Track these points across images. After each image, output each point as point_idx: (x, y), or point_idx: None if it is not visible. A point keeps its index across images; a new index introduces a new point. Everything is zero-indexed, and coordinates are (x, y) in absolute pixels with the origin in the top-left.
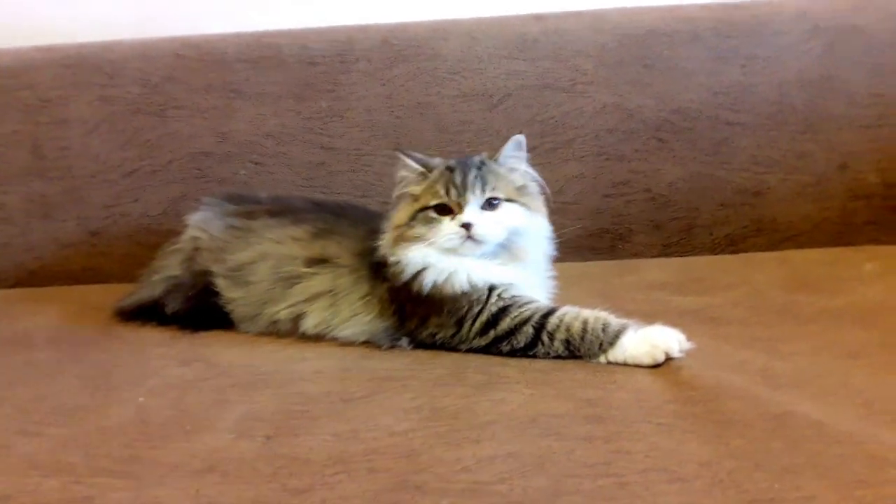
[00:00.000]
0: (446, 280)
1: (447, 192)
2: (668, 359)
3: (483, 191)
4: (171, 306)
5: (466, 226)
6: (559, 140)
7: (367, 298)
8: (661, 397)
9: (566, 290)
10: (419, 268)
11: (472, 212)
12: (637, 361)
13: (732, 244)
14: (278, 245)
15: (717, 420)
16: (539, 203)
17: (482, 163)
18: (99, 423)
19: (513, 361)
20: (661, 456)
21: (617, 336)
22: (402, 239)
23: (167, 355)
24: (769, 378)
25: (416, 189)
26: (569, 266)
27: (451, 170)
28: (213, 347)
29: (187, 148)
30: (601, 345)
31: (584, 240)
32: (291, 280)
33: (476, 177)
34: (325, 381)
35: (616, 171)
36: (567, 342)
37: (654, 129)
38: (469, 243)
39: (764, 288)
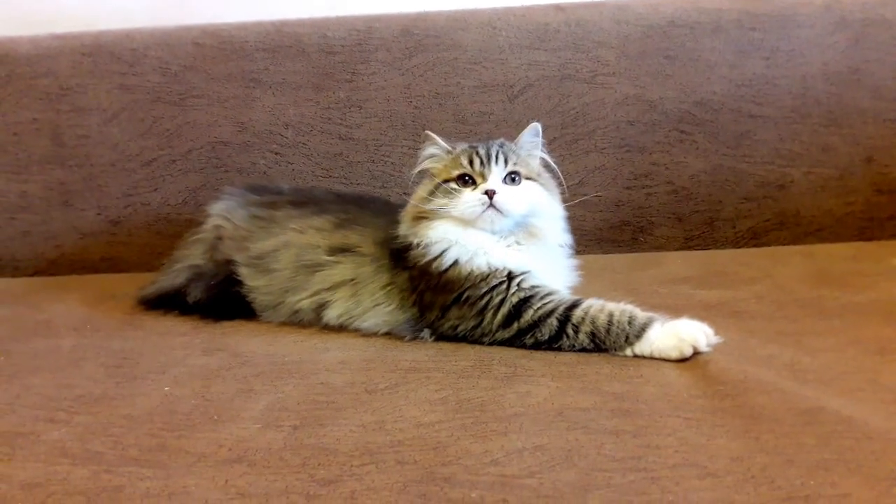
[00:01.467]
0: (465, 260)
1: (470, 163)
2: (696, 353)
3: (506, 164)
4: (194, 295)
5: (490, 193)
6: (580, 131)
7: (389, 288)
8: (688, 391)
9: (588, 282)
10: (438, 245)
11: (495, 181)
12: (664, 355)
13: (755, 238)
14: (301, 234)
15: (746, 415)
16: (554, 190)
17: (503, 143)
18: (125, 411)
19: (537, 354)
20: (691, 451)
21: (643, 329)
22: (421, 215)
23: (190, 344)
24: (797, 373)
25: (437, 166)
26: (590, 258)
27: (473, 147)
28: (236, 337)
29: (206, 137)
30: (627, 338)
31: (605, 232)
32: (314, 268)
33: (498, 152)
34: (349, 372)
35: (637, 163)
36: (592, 335)
37: (676, 122)
38: (490, 213)
39: (788, 282)
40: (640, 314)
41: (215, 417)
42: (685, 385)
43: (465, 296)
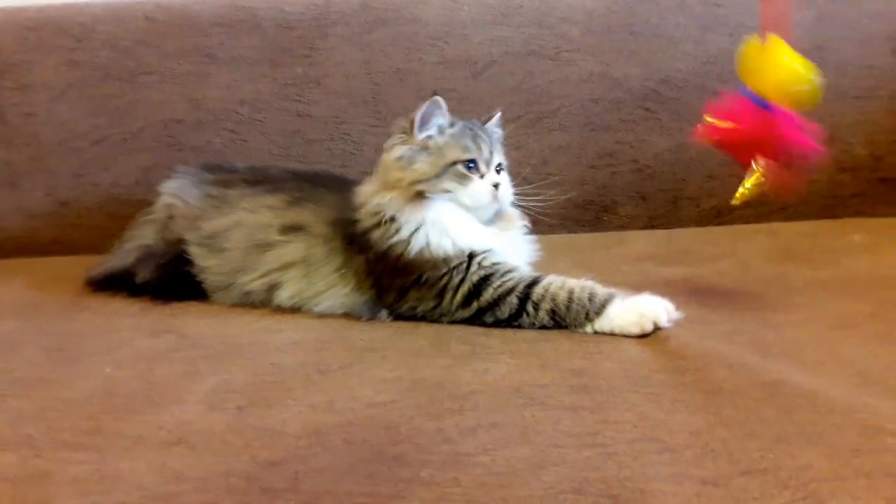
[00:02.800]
0: (435, 243)
1: (479, 149)
2: (657, 329)
3: (497, 154)
4: (143, 275)
5: (496, 186)
6: (544, 109)
7: (342, 271)
8: (648, 367)
9: (551, 261)
10: (410, 226)
11: (493, 173)
12: (624, 331)
13: (719, 216)
14: (252, 213)
15: (707, 389)
16: None
17: (483, 127)
18: (63, 394)
19: (496, 332)
20: (649, 426)
21: (604, 305)
22: (419, 195)
23: (137, 326)
24: (759, 347)
25: (440, 141)
26: (554, 238)
27: (469, 128)
28: (185, 318)
29: (159, 115)
30: (588, 314)
31: (569, 211)
32: (264, 248)
33: (490, 139)
34: (301, 353)
35: (602, 142)
36: (553, 312)
37: (641, 99)
38: (494, 204)
39: (751, 259)
40: (601, 290)
41: (157, 400)
42: (645, 360)
43: (424, 277)
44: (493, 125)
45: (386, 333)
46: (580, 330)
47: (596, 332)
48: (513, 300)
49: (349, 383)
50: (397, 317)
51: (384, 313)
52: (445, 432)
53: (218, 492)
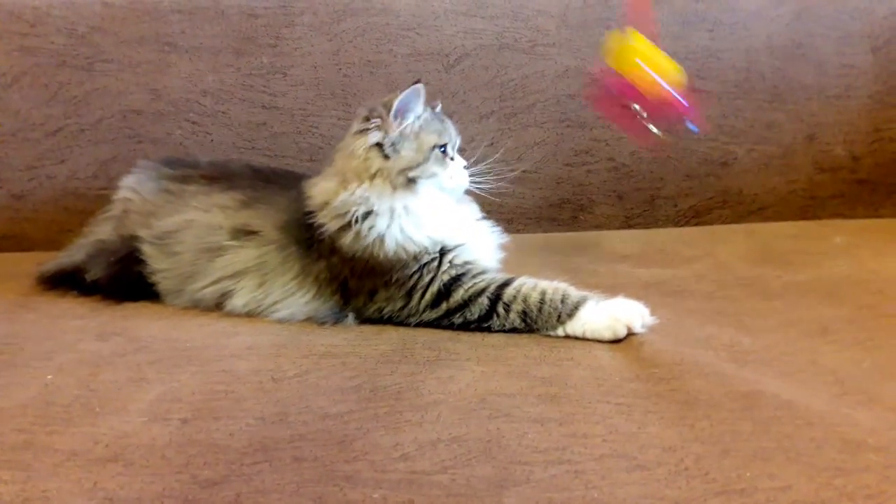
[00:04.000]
0: (413, 234)
1: (448, 133)
2: (630, 334)
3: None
4: (93, 273)
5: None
6: (519, 105)
7: (300, 278)
8: (621, 375)
9: (525, 261)
10: (392, 219)
11: (458, 157)
12: (596, 335)
13: (697, 216)
14: (204, 213)
15: (682, 400)
16: None
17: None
18: None
19: (465, 336)
20: (620, 440)
21: (576, 308)
22: (410, 182)
23: (84, 328)
24: (736, 354)
25: (415, 126)
26: (528, 237)
27: (436, 113)
28: (136, 320)
29: (118, 105)
30: (559, 316)
31: (544, 210)
32: (215, 252)
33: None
34: (256, 358)
35: (578, 139)
36: (524, 314)
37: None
38: (464, 186)
39: (729, 261)
40: (574, 292)
41: (97, 410)
42: (618, 368)
43: (395, 277)
44: (439, 109)
45: (347, 338)
46: (551, 333)
47: (567, 336)
48: (483, 301)
49: (304, 392)
50: (364, 320)
51: (351, 317)
52: (403, 447)
53: None
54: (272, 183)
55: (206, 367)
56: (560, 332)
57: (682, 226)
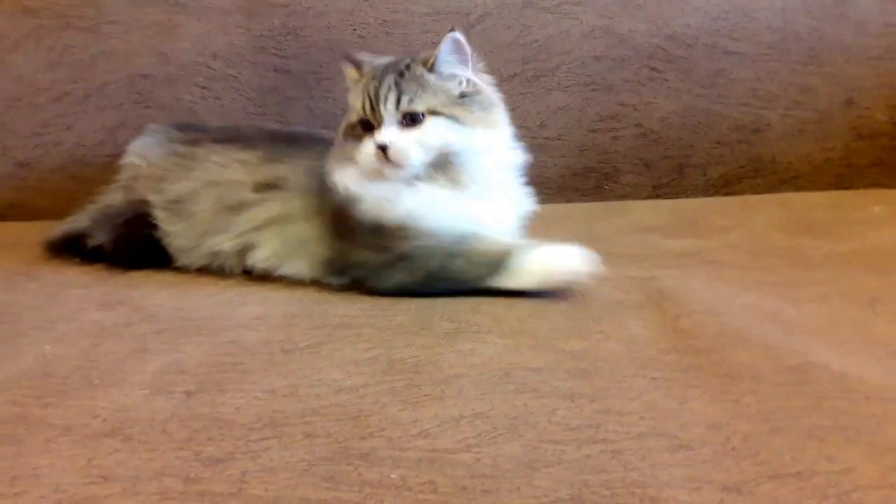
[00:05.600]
0: (379, 210)
1: (363, 107)
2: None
3: (398, 104)
4: (97, 238)
5: (382, 147)
6: (542, 67)
7: (316, 223)
8: (657, 347)
9: (547, 232)
10: (352, 193)
11: (387, 131)
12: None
13: (728, 185)
14: (224, 169)
15: (725, 373)
16: (490, 116)
17: (407, 67)
18: None
19: (486, 307)
20: (659, 417)
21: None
22: (341, 157)
23: (88, 297)
24: (780, 324)
25: (350, 99)
26: (552, 208)
27: (375, 76)
28: (142, 289)
29: (125, 69)
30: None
31: (567, 179)
32: (238, 209)
33: (391, 88)
34: (266, 329)
35: (604, 104)
36: None
37: (647, 57)
38: (388, 167)
39: (764, 231)
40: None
41: (96, 382)
42: (653, 340)
43: (370, 243)
44: (444, 56)
45: (362, 308)
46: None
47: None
48: None
49: (317, 365)
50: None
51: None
52: (423, 424)
53: (147, 495)
54: (296, 142)
55: (214, 337)
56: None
57: (711, 195)
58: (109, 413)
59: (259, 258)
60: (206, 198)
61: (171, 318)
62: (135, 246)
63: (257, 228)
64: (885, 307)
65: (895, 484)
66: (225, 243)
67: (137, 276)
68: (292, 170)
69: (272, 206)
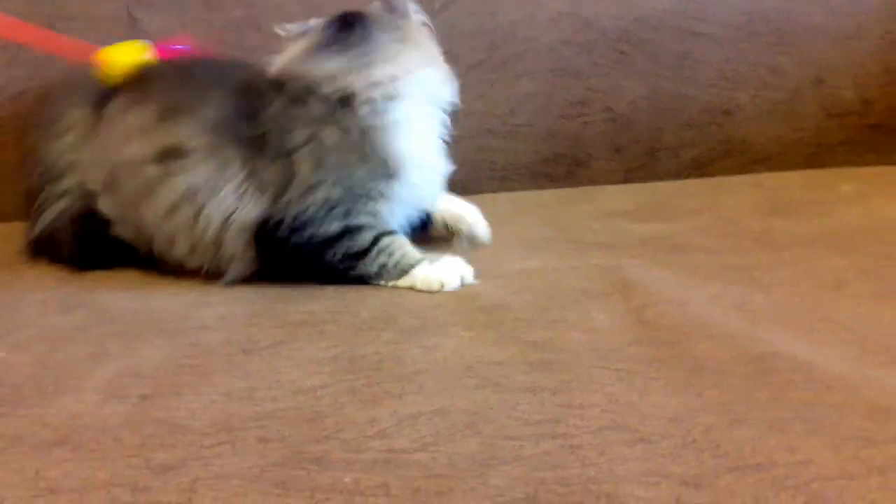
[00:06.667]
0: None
1: None
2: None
3: None
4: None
5: None
6: (509, 54)
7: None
8: (620, 338)
9: (517, 220)
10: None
11: None
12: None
13: (699, 167)
14: (125, 144)
15: (688, 366)
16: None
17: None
18: None
19: (450, 303)
20: (620, 410)
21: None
22: None
23: (48, 301)
24: (746, 313)
25: None
26: (523, 195)
27: None
28: (104, 291)
29: (82, 65)
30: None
31: (538, 166)
32: (147, 193)
33: None
34: (227, 329)
35: (573, 89)
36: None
37: (615, 41)
38: None
39: (734, 213)
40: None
41: (49, 389)
42: (616, 331)
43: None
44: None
45: (326, 305)
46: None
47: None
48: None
49: (276, 365)
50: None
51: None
52: (380, 423)
53: None
54: (204, 77)
55: (174, 339)
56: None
57: (684, 178)
58: (61, 421)
59: (180, 252)
60: (123, 183)
61: (132, 321)
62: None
63: (167, 215)
64: (849, 289)
65: (854, 474)
66: (156, 242)
67: (101, 278)
68: (195, 123)
69: (177, 180)
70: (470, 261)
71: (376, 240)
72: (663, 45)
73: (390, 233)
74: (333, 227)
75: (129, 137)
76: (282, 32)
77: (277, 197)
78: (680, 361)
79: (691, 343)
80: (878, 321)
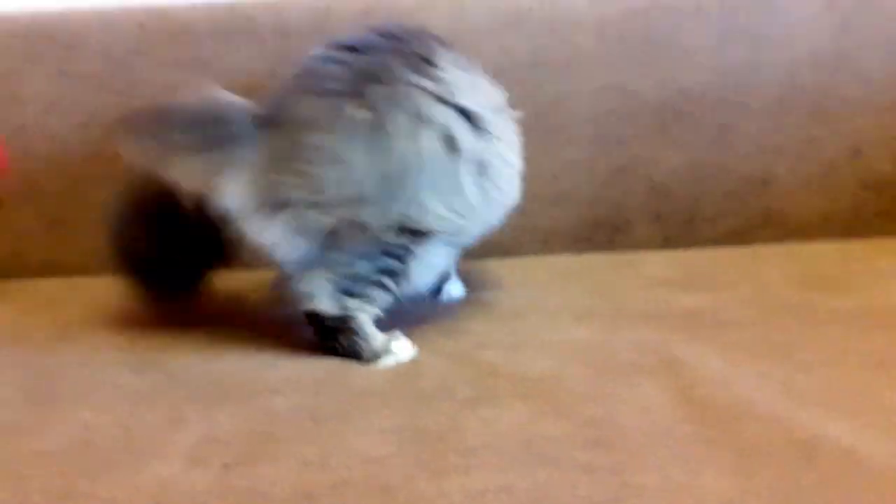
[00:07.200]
0: None
1: None
2: None
3: None
4: None
5: None
6: (554, 122)
7: None
8: (671, 417)
9: (560, 285)
10: None
11: None
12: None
13: (738, 236)
14: None
15: (738, 447)
16: None
17: None
18: (35, 445)
19: (505, 371)
20: (675, 491)
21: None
22: None
23: (121, 361)
24: (791, 394)
25: None
26: (564, 259)
27: None
28: (173, 352)
29: None
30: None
31: (579, 231)
32: None
33: None
34: (295, 395)
35: (615, 157)
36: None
37: (656, 112)
38: None
39: (773, 285)
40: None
41: (136, 453)
42: (667, 408)
43: None
44: None
45: (387, 376)
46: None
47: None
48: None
49: (345, 434)
50: None
51: None
52: (450, 496)
53: None
54: None
55: (247, 404)
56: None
57: (722, 246)
58: (153, 486)
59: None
60: None
61: (205, 384)
62: None
63: None
64: (892, 370)
65: None
66: None
67: (168, 338)
68: None
69: None
70: (517, 328)
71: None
72: (702, 116)
73: None
74: None
75: None
76: None
77: None
78: (730, 443)
79: (740, 425)
80: None
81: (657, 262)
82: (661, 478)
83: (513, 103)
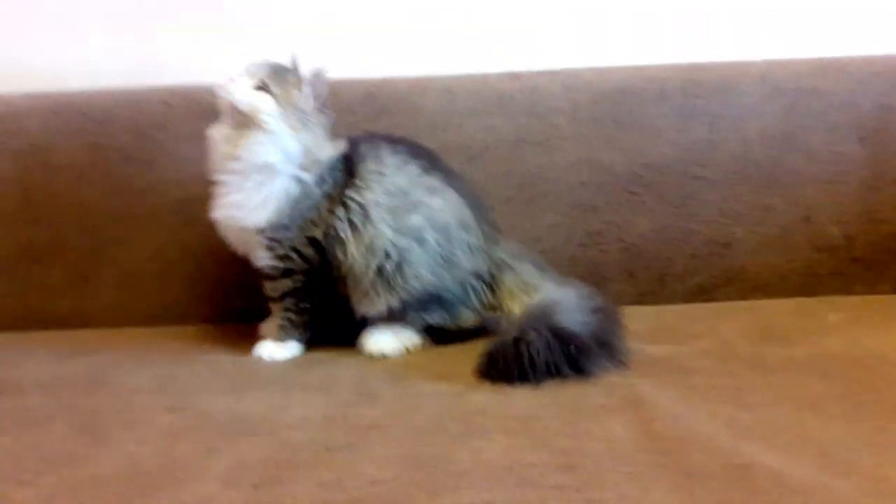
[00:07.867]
0: None
1: None
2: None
3: None
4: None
5: None
6: (535, 192)
7: None
8: (631, 447)
9: None
10: None
11: None
12: None
13: (704, 293)
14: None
15: (684, 471)
16: None
17: None
18: (91, 471)
19: (490, 410)
20: (628, 503)
21: None
22: None
23: (156, 403)
24: (734, 429)
25: None
26: None
27: None
28: (201, 395)
29: (174, 194)
30: None
31: None
32: None
33: None
34: (309, 429)
35: (590, 222)
36: None
37: (626, 183)
38: None
39: (732, 338)
40: None
41: (179, 476)
42: (629, 440)
43: None
44: None
45: (388, 412)
46: None
47: None
48: None
49: (355, 461)
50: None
51: None
52: None
53: None
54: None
55: (268, 438)
56: None
57: (690, 302)
58: (195, 501)
59: None
60: None
61: (230, 421)
62: None
63: None
64: (822, 410)
65: None
66: None
67: (194, 384)
68: None
69: None
70: None
71: None
72: (668, 186)
73: None
74: None
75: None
76: None
77: None
78: (678, 467)
79: (688, 452)
80: (842, 439)
81: (631, 316)
82: (618, 494)
83: (497, 176)
